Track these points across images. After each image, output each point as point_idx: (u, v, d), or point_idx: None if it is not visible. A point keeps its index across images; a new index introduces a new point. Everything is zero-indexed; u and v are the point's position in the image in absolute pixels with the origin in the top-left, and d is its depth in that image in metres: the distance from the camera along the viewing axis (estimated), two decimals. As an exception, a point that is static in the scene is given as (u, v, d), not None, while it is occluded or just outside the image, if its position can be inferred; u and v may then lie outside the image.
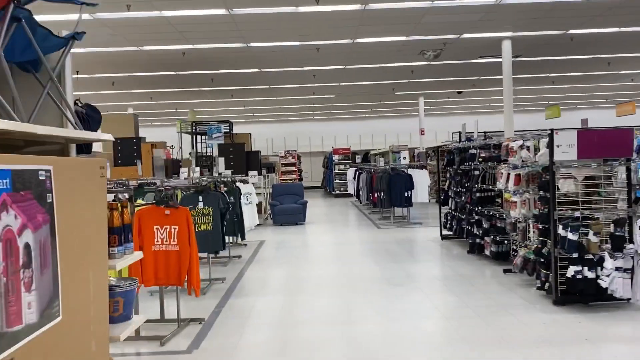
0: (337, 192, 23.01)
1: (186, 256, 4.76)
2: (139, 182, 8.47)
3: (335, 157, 23.32)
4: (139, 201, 5.49)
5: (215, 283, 7.07)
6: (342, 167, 23.23)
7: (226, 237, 6.96)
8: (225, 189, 7.90)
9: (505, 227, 7.09)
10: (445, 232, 9.94)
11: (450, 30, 11.94)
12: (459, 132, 15.76)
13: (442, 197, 9.93)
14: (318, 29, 11.23)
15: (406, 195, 11.75)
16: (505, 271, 7.05)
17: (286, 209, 13.13)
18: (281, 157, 24.13)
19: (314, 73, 16.36)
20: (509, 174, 6.68)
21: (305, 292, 6.54)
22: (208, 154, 15.57)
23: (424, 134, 22.85)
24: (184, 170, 12.42)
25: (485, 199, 7.90)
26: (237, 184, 9.27)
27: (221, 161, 10.42)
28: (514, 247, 7.25)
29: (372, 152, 26.65)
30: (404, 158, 12.49)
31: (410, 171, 12.15)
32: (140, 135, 14.64)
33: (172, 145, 17.29)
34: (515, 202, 6.47)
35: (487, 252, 7.69)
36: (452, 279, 6.96)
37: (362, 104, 24.91)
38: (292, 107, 24.89)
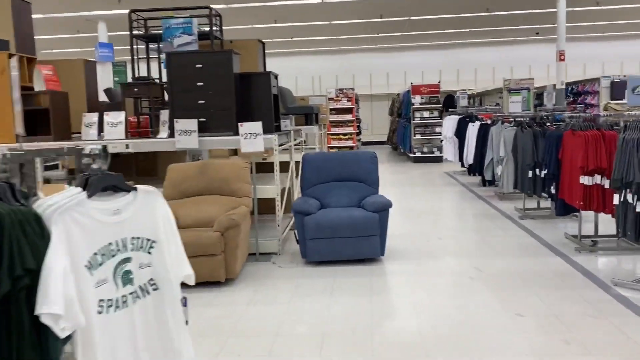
0: (418, 153, 14.57)
1: None
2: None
3: (416, 100, 14.70)
4: None
5: None
6: (426, 114, 14.66)
7: None
8: None
9: None
10: None
11: None
12: None
13: None
14: None
15: None
16: None
17: (336, 222, 4.95)
18: (331, 99, 15.76)
19: None
20: None
21: None
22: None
23: (563, 59, 13.84)
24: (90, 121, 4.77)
25: None
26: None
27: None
28: None
29: (468, 91, 17.65)
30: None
31: None
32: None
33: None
34: None
35: None
36: None
37: (453, 17, 15.95)
38: (345, 22, 16.22)
